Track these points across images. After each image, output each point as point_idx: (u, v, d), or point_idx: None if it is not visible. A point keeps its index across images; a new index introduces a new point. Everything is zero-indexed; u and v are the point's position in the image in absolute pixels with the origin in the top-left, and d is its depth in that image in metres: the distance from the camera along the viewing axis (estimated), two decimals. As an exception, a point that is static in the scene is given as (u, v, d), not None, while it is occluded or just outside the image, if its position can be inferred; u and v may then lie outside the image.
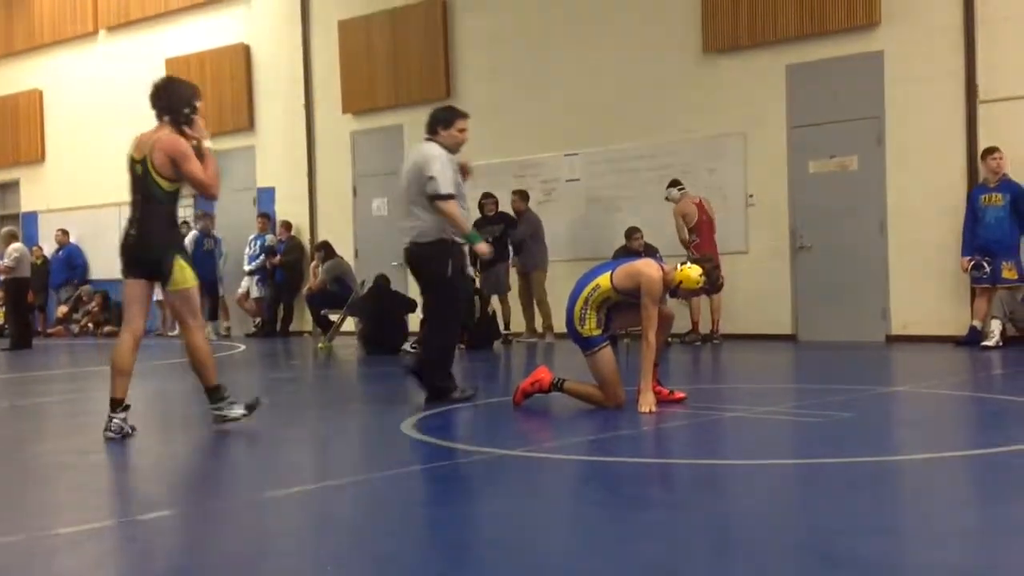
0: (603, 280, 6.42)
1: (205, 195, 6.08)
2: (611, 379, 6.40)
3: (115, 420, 5.80)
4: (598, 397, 6.47)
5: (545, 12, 13.68)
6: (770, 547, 3.44)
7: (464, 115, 7.29)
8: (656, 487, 4.56)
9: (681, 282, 6.42)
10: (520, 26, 13.87)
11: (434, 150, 7.03)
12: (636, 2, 12.91)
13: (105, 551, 3.56)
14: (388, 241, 15.24)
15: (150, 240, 5.89)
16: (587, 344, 6.45)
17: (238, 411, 6.03)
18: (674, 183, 11.92)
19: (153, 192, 5.94)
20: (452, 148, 7.14)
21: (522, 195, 13.03)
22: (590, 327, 6.42)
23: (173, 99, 6.19)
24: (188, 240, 15.95)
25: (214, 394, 6.05)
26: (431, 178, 6.90)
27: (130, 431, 5.82)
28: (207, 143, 6.07)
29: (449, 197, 6.90)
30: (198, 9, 17.59)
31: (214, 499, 4.47)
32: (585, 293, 6.44)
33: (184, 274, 5.87)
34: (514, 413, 6.51)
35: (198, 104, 6.17)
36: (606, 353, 6.43)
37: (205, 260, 15.94)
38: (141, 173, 6.01)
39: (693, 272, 6.41)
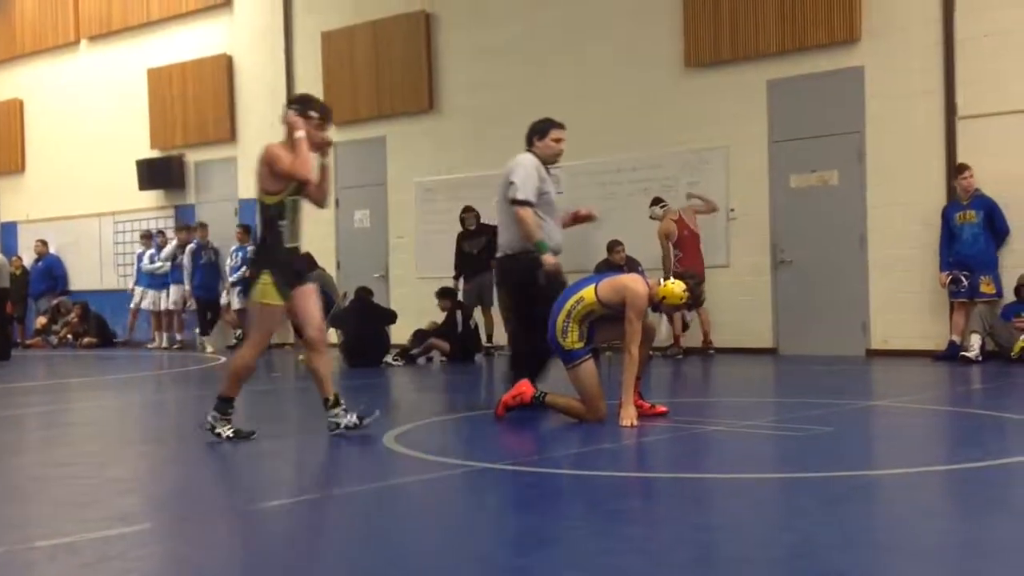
0: (587, 293, 6.43)
1: (301, 181, 6.17)
2: (593, 392, 6.41)
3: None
4: (580, 410, 6.47)
5: (528, 26, 13.71)
6: (751, 561, 3.45)
7: (559, 125, 7.28)
8: (638, 501, 4.56)
9: (664, 297, 6.45)
10: (503, 40, 13.89)
11: (524, 158, 7.09)
12: (619, 17, 12.96)
13: (82, 564, 3.53)
14: (370, 253, 15.27)
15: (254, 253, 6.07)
16: (569, 357, 6.45)
17: (227, 431, 6.02)
18: (656, 201, 11.96)
19: (259, 206, 6.16)
20: (548, 159, 7.15)
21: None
22: (572, 340, 6.43)
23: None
24: (186, 253, 15.92)
25: (222, 403, 6.06)
26: (511, 183, 6.94)
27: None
28: (299, 133, 6.13)
29: (525, 203, 6.88)
30: (180, 19, 17.55)
31: (193, 513, 4.44)
32: (568, 306, 6.45)
33: (262, 289, 5.91)
34: (496, 426, 6.50)
35: (313, 113, 6.25)
36: (588, 366, 6.44)
37: (204, 272, 15.87)
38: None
39: (677, 288, 6.44)
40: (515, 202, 6.90)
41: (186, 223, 16.77)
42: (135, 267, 17.37)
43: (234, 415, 6.08)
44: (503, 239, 7.12)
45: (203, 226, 16.31)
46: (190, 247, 15.94)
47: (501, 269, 7.17)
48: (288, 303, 6.00)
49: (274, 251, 6.03)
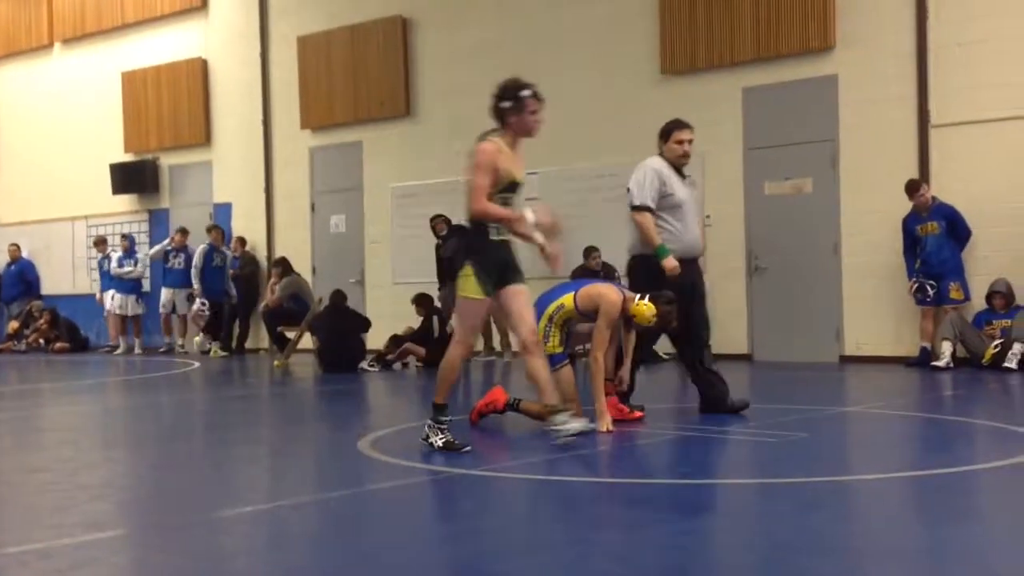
0: (567, 300, 6.50)
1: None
2: (570, 397, 6.43)
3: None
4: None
5: (505, 32, 13.74)
6: (727, 566, 3.47)
7: (684, 126, 7.11)
8: (614, 507, 4.57)
9: (634, 315, 6.48)
10: (480, 45, 13.91)
11: (647, 162, 7.01)
12: (596, 24, 13.00)
13: (55, 570, 3.50)
14: (346, 258, 15.23)
15: (458, 243, 5.78)
16: (549, 362, 6.47)
17: (438, 441, 5.62)
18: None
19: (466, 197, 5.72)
20: (675, 161, 7.04)
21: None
22: (553, 344, 6.48)
23: (495, 96, 5.89)
24: (196, 255, 15.61)
25: (437, 409, 5.71)
26: (628, 189, 6.91)
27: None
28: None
29: (641, 208, 6.81)
30: (155, 23, 17.46)
31: (166, 518, 4.42)
32: (550, 311, 6.50)
33: (467, 282, 5.58)
34: (470, 432, 6.50)
35: (523, 94, 5.81)
36: (567, 371, 6.49)
37: (215, 275, 15.69)
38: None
39: (647, 309, 6.46)
40: (632, 207, 6.81)
41: (182, 227, 16.59)
42: (99, 273, 17.24)
43: (449, 419, 5.72)
44: (630, 241, 7.01)
45: (216, 228, 15.93)
46: (202, 248, 15.59)
47: (629, 268, 7.06)
48: (495, 301, 5.64)
49: (480, 243, 5.62)
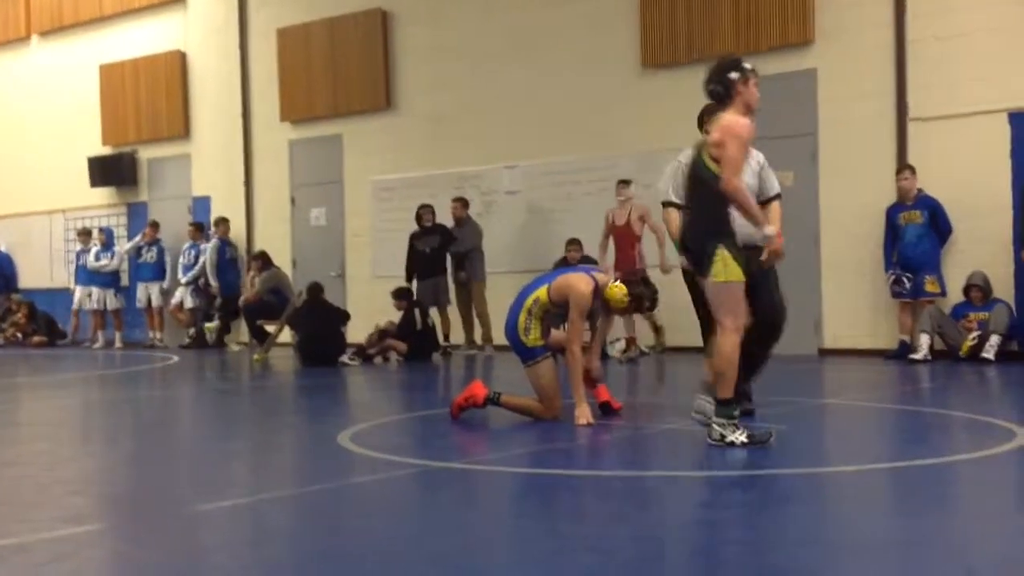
0: (542, 293, 6.50)
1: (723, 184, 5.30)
2: (551, 390, 6.45)
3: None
4: (536, 409, 6.50)
5: (486, 25, 13.72)
6: (704, 559, 3.48)
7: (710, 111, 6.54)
8: (592, 499, 4.58)
9: (608, 299, 6.51)
10: (461, 38, 13.89)
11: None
12: (576, 17, 13.00)
13: (34, 564, 3.48)
14: (327, 252, 15.20)
15: (695, 227, 5.44)
16: (530, 354, 6.48)
17: (740, 437, 5.32)
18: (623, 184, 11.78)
19: (702, 175, 5.40)
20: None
21: (463, 203, 13.03)
22: (535, 337, 6.49)
23: (714, 74, 5.57)
24: (209, 248, 15.37)
25: (721, 407, 5.40)
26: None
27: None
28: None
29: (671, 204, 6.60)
30: (133, 15, 17.35)
31: (144, 512, 4.40)
32: (528, 304, 6.50)
33: (726, 266, 5.29)
34: (451, 426, 6.50)
35: (746, 65, 5.55)
36: (548, 364, 6.49)
37: (228, 269, 15.49)
38: (696, 154, 5.50)
39: (618, 291, 6.48)
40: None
41: (153, 221, 16.46)
42: (75, 266, 17.13)
43: (739, 416, 5.44)
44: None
45: (224, 221, 15.56)
46: (213, 243, 15.32)
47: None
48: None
49: (727, 225, 5.39)
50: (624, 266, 11.06)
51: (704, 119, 6.31)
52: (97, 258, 16.59)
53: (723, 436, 5.35)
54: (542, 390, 6.48)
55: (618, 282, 6.53)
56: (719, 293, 5.36)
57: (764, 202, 6.31)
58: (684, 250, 5.69)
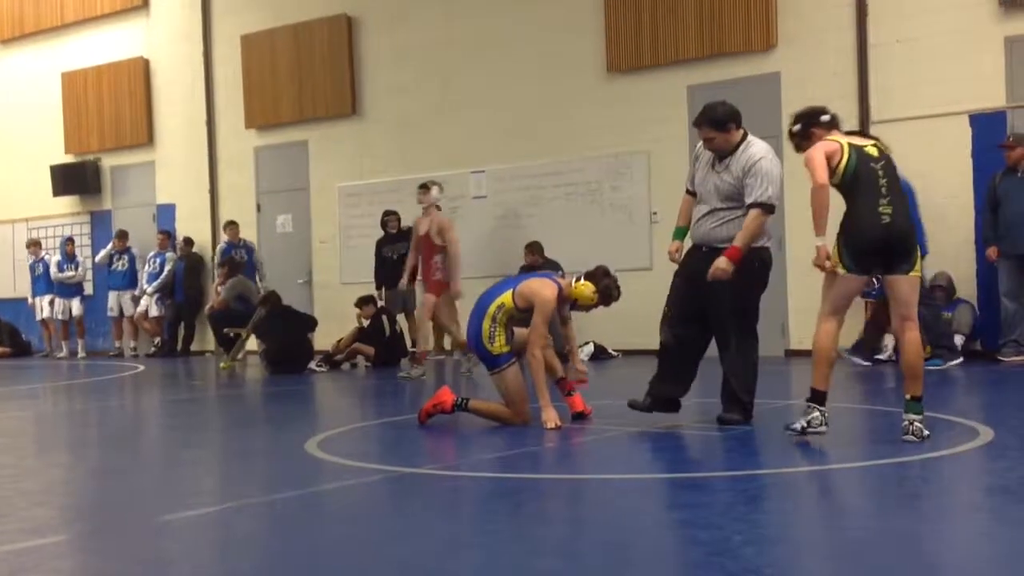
0: (506, 298, 6.50)
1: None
2: (518, 396, 6.44)
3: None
4: (504, 414, 6.50)
5: (451, 30, 13.72)
6: (672, 561, 3.49)
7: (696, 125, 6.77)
8: (560, 503, 4.58)
9: (576, 299, 6.54)
10: (426, 44, 13.88)
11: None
12: (542, 22, 13.03)
13: (-7, 579, 3.44)
14: (293, 259, 15.13)
15: (909, 226, 5.71)
16: (495, 362, 6.47)
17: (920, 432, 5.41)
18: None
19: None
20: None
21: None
22: (500, 344, 6.47)
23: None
24: (216, 253, 14.89)
25: (914, 405, 5.49)
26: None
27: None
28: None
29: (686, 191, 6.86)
30: (95, 22, 17.20)
31: (109, 523, 4.35)
32: (491, 310, 6.48)
33: (918, 262, 5.67)
34: (419, 432, 6.49)
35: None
36: (514, 370, 6.48)
37: (246, 273, 15.06)
38: (887, 163, 5.90)
39: (586, 289, 6.52)
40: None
41: (120, 230, 16.25)
42: (31, 277, 16.93)
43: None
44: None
45: (233, 224, 14.91)
46: (220, 247, 14.86)
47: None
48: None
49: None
50: (425, 278, 10.63)
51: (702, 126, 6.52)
52: (60, 268, 16.42)
53: (921, 432, 5.42)
54: (509, 396, 6.47)
55: (582, 280, 6.56)
56: (914, 286, 5.63)
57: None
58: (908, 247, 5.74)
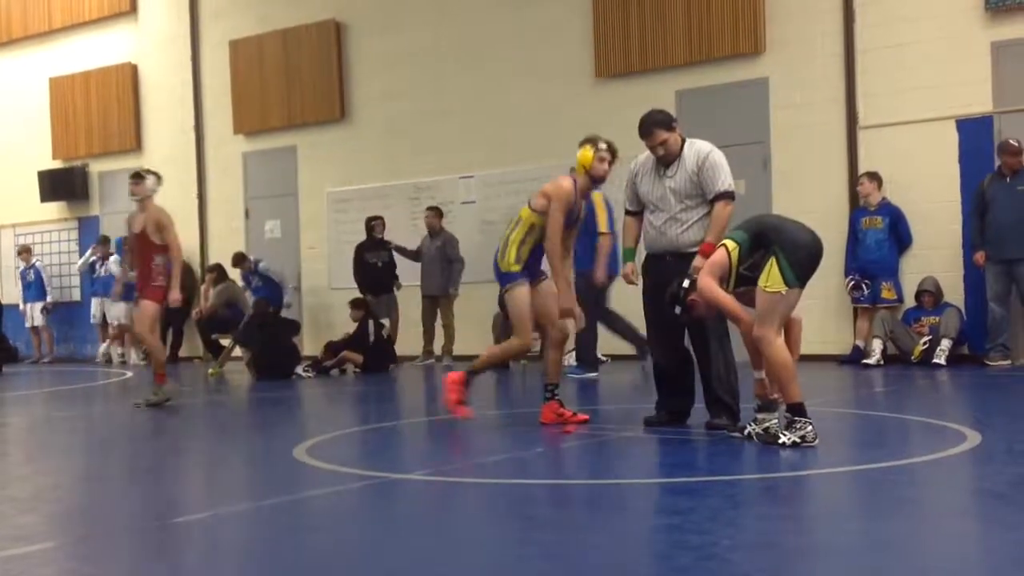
0: (523, 212, 6.64)
1: None
2: (523, 317, 6.52)
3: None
4: (506, 351, 6.83)
5: (440, 35, 13.72)
6: (664, 564, 3.49)
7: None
8: (551, 508, 4.58)
9: (586, 170, 6.72)
10: (415, 49, 13.88)
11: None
12: (530, 27, 13.04)
13: (-20, 587, 3.43)
14: (282, 264, 15.06)
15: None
16: (505, 279, 6.57)
17: (791, 436, 5.52)
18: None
19: None
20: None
21: (437, 212, 12.95)
22: (508, 262, 6.58)
23: None
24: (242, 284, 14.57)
25: (795, 409, 5.65)
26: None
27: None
28: None
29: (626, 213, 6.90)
30: (83, 27, 17.16)
31: (97, 530, 4.33)
32: (507, 232, 6.66)
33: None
34: (409, 437, 6.48)
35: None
36: (523, 290, 6.56)
37: (267, 280, 14.61)
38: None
39: (585, 155, 6.74)
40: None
41: (102, 236, 16.18)
42: (22, 284, 16.85)
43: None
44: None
45: (242, 257, 14.04)
46: (240, 285, 13.90)
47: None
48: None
49: None
50: (141, 283, 8.85)
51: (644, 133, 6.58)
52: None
53: (795, 440, 5.50)
54: (514, 318, 6.59)
55: (581, 148, 6.74)
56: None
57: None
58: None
